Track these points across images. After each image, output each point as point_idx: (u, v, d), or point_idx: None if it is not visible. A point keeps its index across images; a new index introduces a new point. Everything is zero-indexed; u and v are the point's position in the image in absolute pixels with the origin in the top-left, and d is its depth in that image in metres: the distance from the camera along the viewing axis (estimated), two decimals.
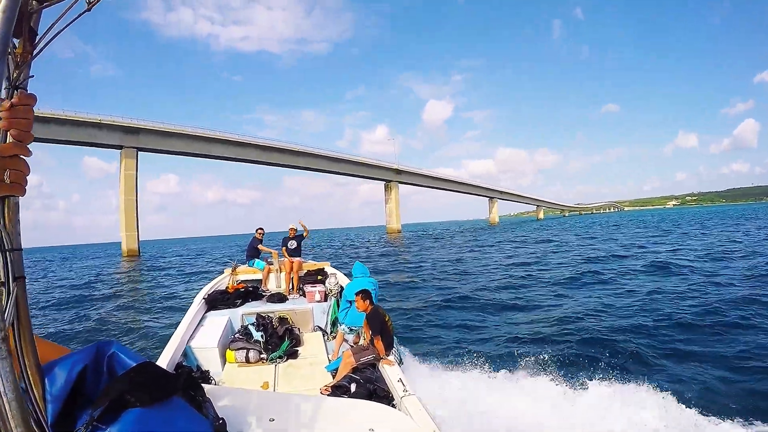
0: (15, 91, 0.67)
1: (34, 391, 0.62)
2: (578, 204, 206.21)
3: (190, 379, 1.07)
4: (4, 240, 0.60)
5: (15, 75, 0.67)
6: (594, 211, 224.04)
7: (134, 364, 0.89)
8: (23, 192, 0.65)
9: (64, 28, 0.72)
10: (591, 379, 4.59)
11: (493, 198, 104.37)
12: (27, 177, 0.65)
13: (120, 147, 47.71)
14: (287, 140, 63.73)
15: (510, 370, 4.98)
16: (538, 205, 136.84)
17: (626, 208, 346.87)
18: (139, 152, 49.67)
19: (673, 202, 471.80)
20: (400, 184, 75.78)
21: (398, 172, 74.48)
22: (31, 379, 0.62)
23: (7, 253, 0.61)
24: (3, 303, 0.52)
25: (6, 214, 0.63)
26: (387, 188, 75.22)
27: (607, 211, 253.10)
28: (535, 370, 4.94)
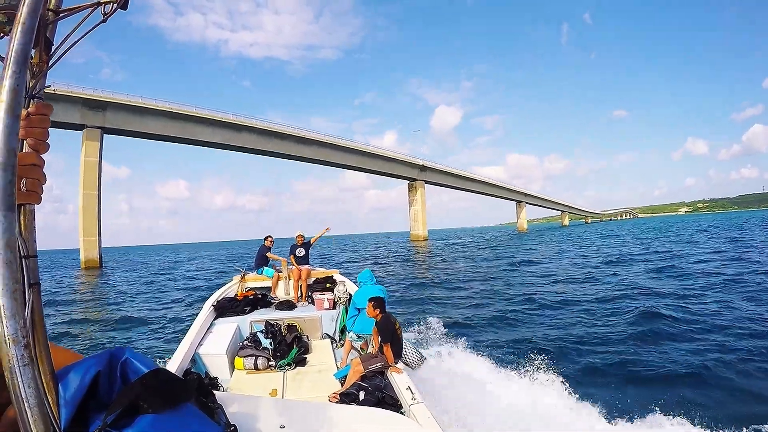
0: (32, 101, 0.69)
1: (48, 396, 0.63)
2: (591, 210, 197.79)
3: (201, 385, 1.05)
4: (20, 247, 0.60)
5: (31, 85, 0.69)
6: (612, 218, 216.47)
7: (147, 371, 0.89)
8: (39, 200, 0.67)
9: (79, 39, 0.74)
10: None
11: (521, 202, 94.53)
12: (43, 185, 0.67)
13: (81, 127, 37.31)
14: (292, 125, 51.55)
15: None
16: (563, 211, 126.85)
17: (640, 215, 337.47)
18: (105, 134, 39.04)
19: (685, 209, 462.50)
20: (425, 184, 64.81)
21: (423, 168, 63.68)
22: (45, 384, 0.63)
23: (23, 260, 0.61)
24: (22, 309, 0.53)
25: (22, 222, 0.65)
26: (411, 188, 64.51)
27: (624, 217, 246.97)
28: None
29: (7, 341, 0.50)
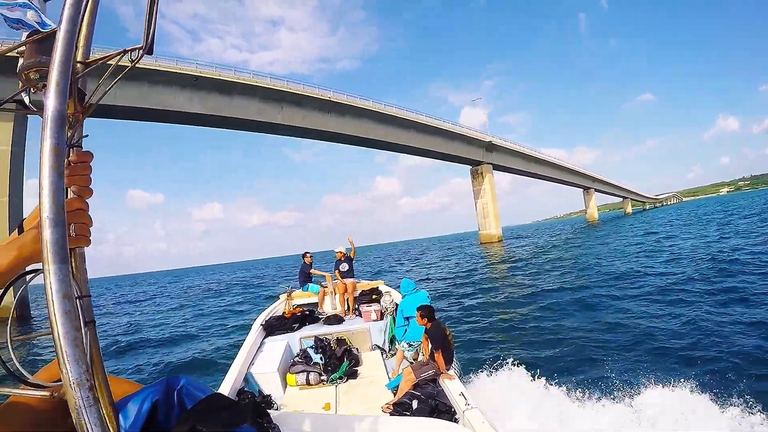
0: (71, 150, 0.72)
1: (110, 427, 0.63)
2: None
3: (256, 406, 1.07)
4: (74, 288, 0.64)
5: (69, 135, 0.72)
6: (663, 204, 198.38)
7: (204, 396, 0.91)
8: (88, 243, 0.70)
9: (111, 86, 0.77)
10: None
11: (589, 189, 78.20)
12: (90, 228, 0.70)
13: None
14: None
15: None
16: (625, 198, 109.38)
17: (684, 199, 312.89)
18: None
19: (727, 189, 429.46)
20: (492, 169, 48.72)
21: (489, 148, 47.71)
22: (106, 416, 0.65)
23: (77, 300, 0.64)
24: (84, 355, 0.54)
25: (74, 265, 0.68)
26: (475, 175, 49.01)
27: (672, 202, 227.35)
28: None
29: (72, 385, 0.51)
